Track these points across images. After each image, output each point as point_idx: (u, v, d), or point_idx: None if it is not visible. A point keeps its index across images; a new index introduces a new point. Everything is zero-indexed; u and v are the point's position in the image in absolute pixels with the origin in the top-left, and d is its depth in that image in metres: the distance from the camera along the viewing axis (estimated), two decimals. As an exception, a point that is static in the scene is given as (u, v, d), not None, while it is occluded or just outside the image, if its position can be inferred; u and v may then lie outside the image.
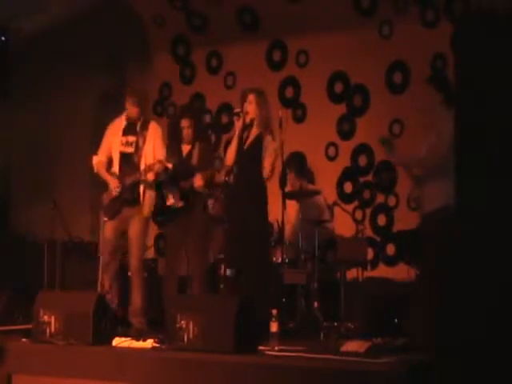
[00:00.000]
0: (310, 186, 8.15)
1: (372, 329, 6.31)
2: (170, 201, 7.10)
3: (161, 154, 6.88)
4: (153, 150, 6.83)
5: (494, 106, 4.44)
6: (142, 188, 6.81)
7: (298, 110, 8.96)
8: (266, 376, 4.81)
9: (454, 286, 4.47)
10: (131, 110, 6.86)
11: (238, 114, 6.62)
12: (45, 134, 9.89)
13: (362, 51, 8.49)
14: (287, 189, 7.67)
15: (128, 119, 6.92)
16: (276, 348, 5.47)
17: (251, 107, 6.60)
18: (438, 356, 4.53)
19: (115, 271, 6.87)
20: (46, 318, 5.72)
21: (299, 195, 7.67)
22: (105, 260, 6.88)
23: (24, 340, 5.85)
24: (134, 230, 6.81)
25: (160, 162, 6.73)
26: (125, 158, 6.86)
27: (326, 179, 8.61)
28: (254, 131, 6.64)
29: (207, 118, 9.50)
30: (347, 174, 8.65)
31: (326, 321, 6.98)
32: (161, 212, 7.35)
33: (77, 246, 8.48)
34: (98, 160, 6.96)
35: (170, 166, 6.81)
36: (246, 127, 6.66)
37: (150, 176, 6.79)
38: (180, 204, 7.09)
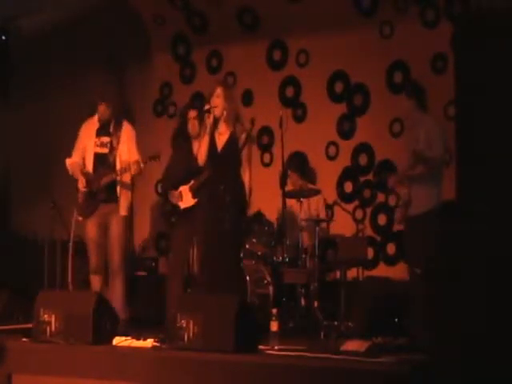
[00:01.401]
0: (310, 186, 8.16)
1: (372, 328, 6.30)
2: (184, 202, 7.07)
3: (135, 153, 6.89)
4: (127, 149, 6.85)
5: (493, 105, 4.45)
6: (118, 188, 6.81)
7: (298, 109, 8.94)
8: (266, 375, 4.81)
9: (452, 286, 4.48)
10: (103, 112, 6.90)
11: (208, 111, 6.44)
12: (45, 134, 9.89)
13: (363, 51, 8.48)
14: (288, 188, 7.67)
15: (101, 120, 6.94)
16: (276, 347, 5.48)
17: (219, 101, 6.42)
18: (438, 356, 4.53)
19: (105, 273, 6.86)
20: (46, 317, 5.72)
21: (299, 194, 7.66)
22: (93, 261, 6.85)
23: (24, 339, 5.85)
24: (114, 230, 6.82)
25: (136, 162, 6.74)
26: (99, 158, 6.88)
27: (327, 179, 8.60)
28: (225, 129, 6.45)
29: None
30: (347, 174, 8.64)
31: (326, 320, 6.99)
32: (172, 213, 7.30)
33: (77, 245, 8.46)
34: (71, 161, 6.98)
35: (142, 166, 6.79)
36: (216, 122, 6.46)
37: (126, 177, 6.81)
38: (193, 202, 7.06)
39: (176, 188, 7.16)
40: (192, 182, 7.04)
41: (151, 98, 9.73)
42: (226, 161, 6.41)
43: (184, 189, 7.11)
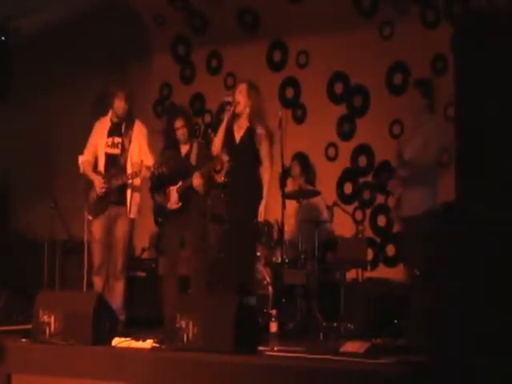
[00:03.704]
0: (310, 187, 8.16)
1: (372, 329, 6.30)
2: (172, 203, 7.08)
3: (147, 154, 6.88)
4: (139, 150, 6.83)
5: (493, 107, 4.44)
6: (129, 192, 6.80)
7: (298, 110, 8.96)
8: (265, 376, 4.80)
9: (451, 289, 4.47)
10: (119, 106, 6.82)
11: (228, 104, 6.54)
12: (44, 134, 9.89)
13: (362, 52, 8.49)
14: (288, 189, 7.67)
15: (114, 118, 6.90)
16: (275, 348, 5.47)
17: (241, 97, 6.52)
18: (437, 356, 4.53)
19: (108, 273, 6.86)
20: (45, 317, 5.71)
21: (299, 195, 7.66)
22: (96, 262, 6.84)
23: (24, 340, 5.84)
24: (121, 231, 6.81)
25: (147, 167, 6.74)
26: (111, 159, 6.85)
27: (326, 180, 8.61)
28: (244, 123, 6.57)
29: (207, 118, 9.51)
30: (347, 175, 8.65)
31: (326, 321, 6.98)
32: (160, 213, 7.34)
33: (76, 245, 8.47)
34: (84, 160, 6.96)
35: (154, 169, 6.80)
36: (234, 117, 6.58)
37: (137, 181, 6.81)
38: (178, 205, 7.08)
39: (163, 187, 7.16)
40: (180, 183, 7.06)
41: (151, 99, 9.74)
42: (243, 154, 6.51)
43: (172, 190, 7.12)
